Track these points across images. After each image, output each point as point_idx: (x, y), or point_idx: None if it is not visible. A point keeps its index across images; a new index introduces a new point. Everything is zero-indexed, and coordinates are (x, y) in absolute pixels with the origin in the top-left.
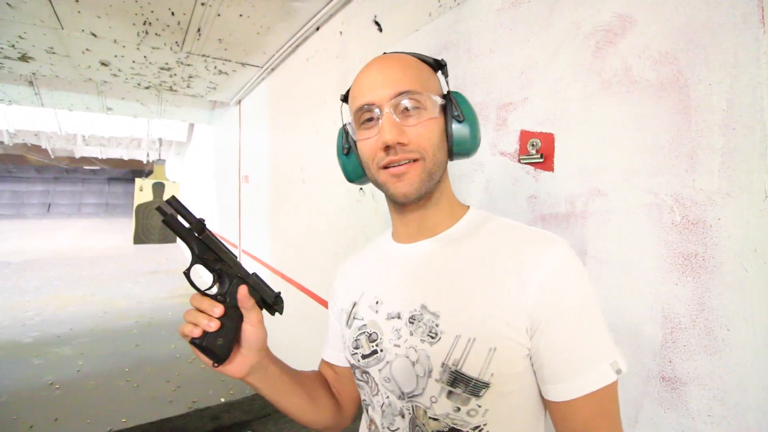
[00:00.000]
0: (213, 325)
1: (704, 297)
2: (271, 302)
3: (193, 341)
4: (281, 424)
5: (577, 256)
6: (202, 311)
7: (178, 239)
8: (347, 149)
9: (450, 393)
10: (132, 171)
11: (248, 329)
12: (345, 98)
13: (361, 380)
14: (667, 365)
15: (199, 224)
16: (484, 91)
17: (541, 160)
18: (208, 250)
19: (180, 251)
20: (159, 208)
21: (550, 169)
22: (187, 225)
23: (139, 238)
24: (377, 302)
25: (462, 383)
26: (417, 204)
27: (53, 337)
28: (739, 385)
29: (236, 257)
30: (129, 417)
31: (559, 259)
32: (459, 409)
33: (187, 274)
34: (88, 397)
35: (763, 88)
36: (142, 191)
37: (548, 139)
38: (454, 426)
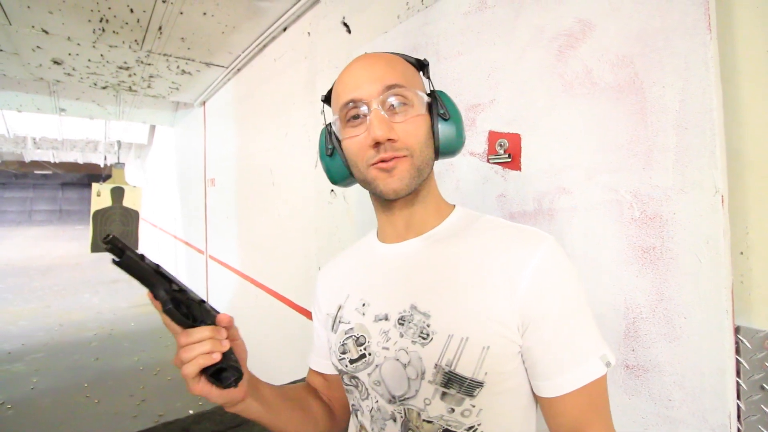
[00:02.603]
0: (226, 344)
1: (662, 287)
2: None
3: (208, 370)
4: None
5: (564, 252)
6: (204, 339)
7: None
8: (331, 150)
9: (444, 394)
10: (88, 175)
11: (236, 345)
12: (327, 99)
13: (350, 385)
14: (630, 354)
15: (149, 260)
16: (452, 93)
17: (509, 160)
18: (170, 282)
19: None
20: (110, 249)
21: (518, 168)
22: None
23: (98, 246)
24: (363, 304)
25: (456, 384)
26: (405, 201)
27: (4, 354)
28: (696, 370)
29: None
30: None
31: (547, 257)
32: (453, 410)
33: (171, 310)
34: (43, 416)
35: (712, 89)
36: (100, 196)
37: (515, 140)
38: (448, 428)
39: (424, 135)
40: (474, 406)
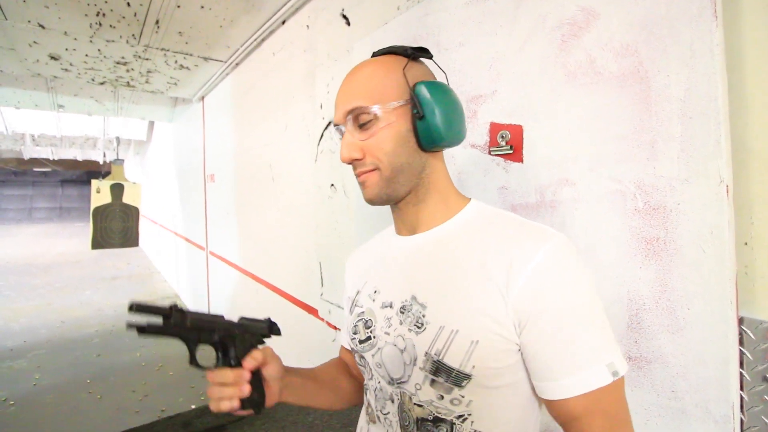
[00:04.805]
0: (246, 390)
1: (666, 278)
2: (267, 332)
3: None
4: (257, 426)
5: (573, 251)
6: (226, 384)
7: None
8: None
9: (433, 381)
10: (87, 172)
11: (267, 369)
12: None
13: (360, 364)
14: (633, 345)
15: (177, 312)
16: (454, 84)
17: (511, 152)
18: (200, 330)
19: (143, 254)
20: (131, 325)
21: (520, 160)
22: (162, 321)
23: (98, 242)
24: (375, 291)
25: (444, 373)
26: (405, 202)
27: (6, 351)
28: (699, 361)
29: (219, 316)
30: (92, 430)
31: (551, 255)
32: (442, 397)
33: (195, 364)
34: (46, 412)
35: (717, 78)
36: (100, 193)
37: (517, 131)
38: (438, 414)
39: (391, 144)
40: (463, 396)
